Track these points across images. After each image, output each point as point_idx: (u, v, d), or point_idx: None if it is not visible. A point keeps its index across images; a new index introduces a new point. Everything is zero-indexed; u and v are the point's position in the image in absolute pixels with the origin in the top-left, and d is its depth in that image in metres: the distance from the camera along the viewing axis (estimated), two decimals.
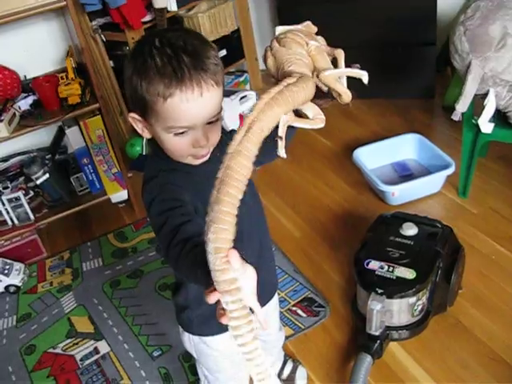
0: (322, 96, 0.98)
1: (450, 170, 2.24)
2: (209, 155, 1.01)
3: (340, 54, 1.00)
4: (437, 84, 2.99)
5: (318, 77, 0.93)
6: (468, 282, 1.88)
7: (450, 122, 2.52)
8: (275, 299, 1.42)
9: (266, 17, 3.52)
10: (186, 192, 0.97)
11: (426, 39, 2.88)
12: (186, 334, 1.26)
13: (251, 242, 1.17)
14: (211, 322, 1.19)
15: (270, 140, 1.07)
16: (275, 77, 0.97)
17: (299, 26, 1.04)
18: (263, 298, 1.25)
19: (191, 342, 1.27)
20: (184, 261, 0.82)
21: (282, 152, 0.91)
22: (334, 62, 1.01)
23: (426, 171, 2.43)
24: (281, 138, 0.92)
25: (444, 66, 3.05)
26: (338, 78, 0.96)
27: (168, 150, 0.99)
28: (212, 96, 0.92)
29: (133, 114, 0.99)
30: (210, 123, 0.95)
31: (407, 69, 2.99)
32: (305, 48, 0.96)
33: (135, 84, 0.91)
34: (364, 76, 0.95)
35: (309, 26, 1.06)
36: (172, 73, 0.88)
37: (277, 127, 0.86)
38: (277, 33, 1.03)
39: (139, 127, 1.00)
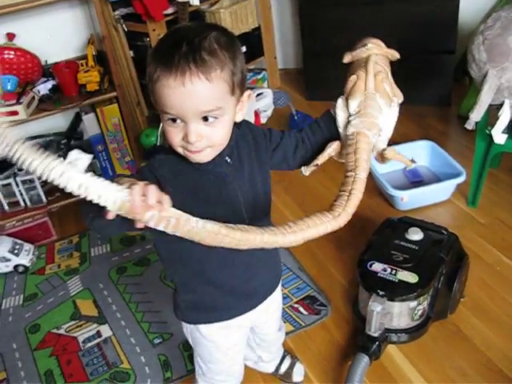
0: None
1: (461, 179, 2.25)
2: (207, 157, 1.00)
3: (400, 98, 1.09)
4: (454, 93, 2.99)
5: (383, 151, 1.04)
6: (471, 290, 1.89)
7: (464, 131, 2.52)
8: (278, 299, 1.42)
9: (287, 16, 3.54)
10: (169, 182, 1.00)
11: (446, 47, 2.88)
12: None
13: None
14: (197, 310, 1.22)
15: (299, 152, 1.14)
16: (349, 109, 1.06)
17: (387, 51, 1.13)
18: (268, 286, 1.27)
19: (187, 329, 1.29)
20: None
21: (307, 172, 1.11)
22: None
23: (437, 179, 2.43)
24: (317, 165, 1.08)
25: (462, 75, 3.05)
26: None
27: (168, 139, 0.99)
28: (198, 89, 0.90)
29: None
30: (206, 121, 0.94)
31: (425, 76, 2.99)
32: (390, 106, 1.06)
33: (148, 63, 0.94)
34: (411, 166, 1.10)
35: (394, 57, 1.15)
36: (163, 59, 0.90)
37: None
38: (368, 49, 1.10)
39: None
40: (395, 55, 1.13)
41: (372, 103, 1.03)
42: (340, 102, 1.07)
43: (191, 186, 1.03)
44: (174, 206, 0.89)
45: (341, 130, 1.06)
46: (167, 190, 0.94)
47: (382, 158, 1.05)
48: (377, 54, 1.08)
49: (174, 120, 0.94)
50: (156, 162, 1.03)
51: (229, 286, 1.17)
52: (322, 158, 1.09)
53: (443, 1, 2.77)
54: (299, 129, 1.17)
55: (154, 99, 0.96)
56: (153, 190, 0.79)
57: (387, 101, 1.04)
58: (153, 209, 0.78)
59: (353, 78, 1.06)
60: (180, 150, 0.98)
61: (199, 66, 0.89)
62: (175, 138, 0.96)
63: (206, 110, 0.92)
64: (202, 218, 0.91)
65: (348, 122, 1.04)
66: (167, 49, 0.91)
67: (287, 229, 0.89)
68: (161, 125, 2.10)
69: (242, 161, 1.07)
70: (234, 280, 1.17)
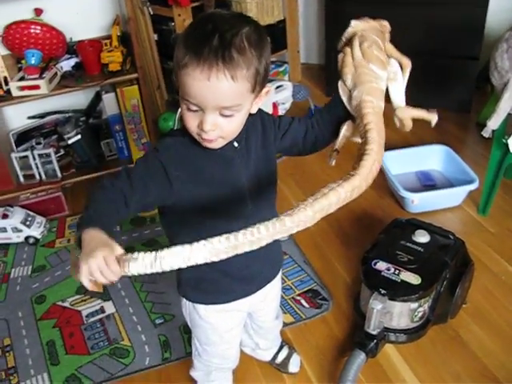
0: None
1: (473, 186, 2.24)
2: (218, 145, 1.03)
3: (407, 66, 1.11)
4: (475, 100, 2.98)
5: (394, 111, 1.05)
6: (473, 297, 1.89)
7: (480, 138, 2.53)
8: (277, 288, 1.43)
9: (312, 11, 3.53)
10: (176, 164, 1.03)
11: (470, 53, 2.86)
12: (183, 299, 1.30)
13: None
14: (197, 290, 1.24)
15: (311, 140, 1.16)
16: (347, 85, 1.07)
17: (375, 24, 1.12)
18: (267, 273, 1.28)
19: (186, 310, 1.31)
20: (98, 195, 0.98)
21: (333, 162, 1.12)
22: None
23: (449, 184, 2.43)
24: (337, 151, 1.10)
25: (484, 83, 3.02)
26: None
27: (185, 123, 1.01)
28: (222, 86, 0.91)
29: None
30: (223, 113, 0.96)
31: (447, 81, 2.98)
32: (386, 69, 1.06)
33: (175, 50, 0.95)
34: (434, 119, 1.12)
35: (384, 27, 1.14)
36: (194, 47, 0.90)
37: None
38: (352, 26, 1.10)
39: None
40: (383, 23, 1.14)
41: (364, 70, 1.04)
42: (339, 83, 1.09)
43: (197, 167, 1.06)
44: (178, 188, 1.02)
45: (349, 108, 1.08)
46: (172, 172, 1.02)
47: (398, 120, 1.08)
48: (363, 29, 1.09)
49: (193, 108, 0.96)
50: (161, 147, 1.06)
51: (229, 270, 1.18)
52: (338, 143, 1.11)
53: (472, 6, 2.75)
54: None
55: (177, 83, 0.98)
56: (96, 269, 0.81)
57: (380, 65, 1.05)
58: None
59: (340, 56, 1.08)
60: (195, 135, 1.01)
61: (227, 63, 0.90)
62: (192, 123, 0.99)
63: (225, 106, 0.95)
64: (205, 200, 1.05)
65: (350, 98, 1.06)
66: (199, 37, 0.91)
67: (294, 209, 0.83)
68: (179, 109, 2.12)
69: (249, 147, 1.09)
70: (234, 264, 1.18)
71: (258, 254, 1.22)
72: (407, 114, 1.06)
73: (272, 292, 1.38)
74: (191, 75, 0.91)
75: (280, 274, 1.38)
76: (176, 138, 1.06)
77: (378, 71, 1.04)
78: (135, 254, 0.84)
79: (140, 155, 2.55)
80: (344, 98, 1.07)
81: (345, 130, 1.10)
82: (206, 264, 1.13)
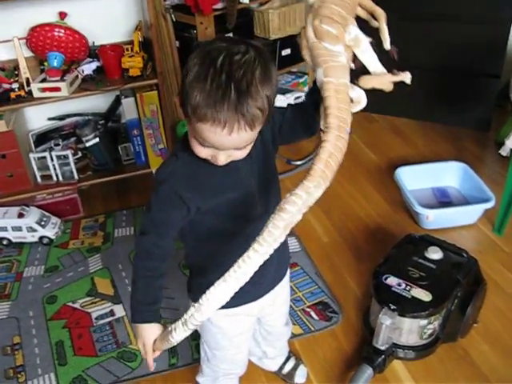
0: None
1: (489, 205, 2.22)
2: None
3: (381, 16, 1.05)
4: (494, 118, 2.96)
5: (357, 80, 0.98)
6: (485, 317, 1.87)
7: (498, 157, 2.50)
8: (285, 292, 1.44)
9: None
10: (187, 186, 1.06)
11: (492, 71, 2.84)
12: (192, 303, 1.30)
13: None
14: None
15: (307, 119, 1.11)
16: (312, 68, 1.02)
17: None
18: (274, 274, 1.28)
19: None
20: (141, 277, 1.14)
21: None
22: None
23: (465, 201, 2.41)
24: (322, 130, 0.99)
25: (505, 101, 3.01)
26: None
27: (192, 148, 1.02)
28: (241, 137, 0.94)
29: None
30: (236, 149, 0.99)
31: (467, 98, 2.96)
32: (341, 40, 0.98)
33: (186, 86, 0.93)
34: (407, 78, 1.02)
35: None
36: (212, 104, 0.89)
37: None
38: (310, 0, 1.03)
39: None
40: None
41: (318, 51, 0.99)
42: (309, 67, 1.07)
43: (206, 182, 1.07)
44: (194, 207, 1.07)
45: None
46: (185, 195, 1.05)
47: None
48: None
49: (206, 145, 0.98)
50: (166, 176, 1.07)
51: None
52: (322, 124, 1.04)
53: (494, 24, 2.73)
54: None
55: (189, 120, 0.97)
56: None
57: (332, 40, 0.98)
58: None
59: (298, 39, 1.05)
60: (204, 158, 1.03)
61: (248, 120, 0.92)
62: (203, 154, 1.01)
63: (240, 147, 0.98)
64: (220, 206, 1.07)
65: None
66: (214, 92, 0.89)
67: (262, 233, 0.89)
68: None
69: (251, 152, 1.08)
70: None
71: (268, 258, 1.22)
72: (368, 84, 1.00)
73: (281, 295, 1.39)
74: (210, 130, 0.92)
75: (288, 277, 1.38)
76: (178, 161, 1.08)
77: (332, 47, 0.98)
78: (168, 328, 1.02)
79: (158, 160, 2.60)
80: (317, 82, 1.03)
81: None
82: (215, 269, 1.15)
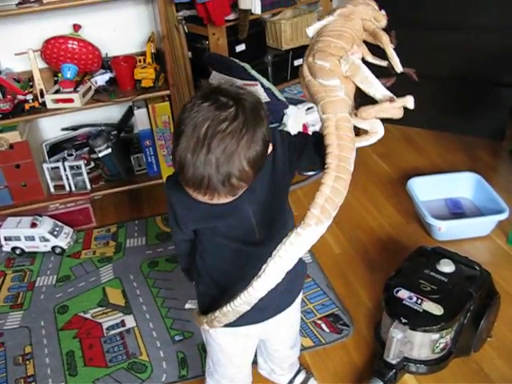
0: (386, 75, 1.02)
1: (503, 216, 2.19)
2: None
3: (384, 41, 1.01)
4: (508, 128, 2.93)
5: (355, 115, 0.95)
6: (499, 331, 1.84)
7: None
8: (293, 318, 1.41)
9: None
10: (183, 205, 1.10)
11: (505, 80, 2.82)
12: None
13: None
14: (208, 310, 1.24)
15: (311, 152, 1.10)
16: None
17: (333, 18, 1.05)
18: (280, 302, 1.27)
19: (202, 328, 1.31)
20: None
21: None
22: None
23: (479, 213, 2.38)
24: None
25: None
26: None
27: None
28: (227, 199, 0.97)
29: None
30: None
31: (481, 107, 2.94)
32: (337, 73, 0.96)
33: (174, 151, 0.94)
34: (408, 103, 0.93)
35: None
36: (191, 176, 0.91)
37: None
38: (310, 35, 1.06)
39: None
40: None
41: (314, 89, 0.97)
42: None
43: (199, 205, 1.05)
44: (186, 225, 1.14)
45: None
46: (179, 213, 1.10)
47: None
48: (322, 31, 1.04)
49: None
50: (168, 189, 1.11)
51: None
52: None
53: (509, 32, 2.71)
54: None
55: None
56: None
57: (326, 75, 0.96)
58: None
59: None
60: None
61: (227, 191, 0.93)
62: (197, 197, 0.99)
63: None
64: (216, 227, 1.10)
65: None
66: (195, 160, 0.90)
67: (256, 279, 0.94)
68: None
69: (254, 182, 1.04)
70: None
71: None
72: (369, 116, 0.95)
73: (286, 322, 1.36)
74: (194, 193, 0.95)
75: (299, 304, 1.36)
76: (175, 179, 1.06)
77: (327, 82, 0.96)
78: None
79: (170, 171, 2.61)
80: None
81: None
82: (218, 288, 1.15)
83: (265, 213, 1.11)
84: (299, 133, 1.16)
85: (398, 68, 0.99)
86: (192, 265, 1.29)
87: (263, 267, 0.90)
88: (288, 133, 1.14)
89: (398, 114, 0.94)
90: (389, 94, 0.96)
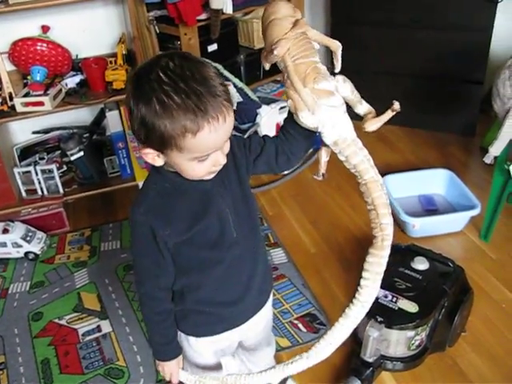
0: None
1: (475, 212, 2.23)
2: None
3: (337, 49, 1.04)
4: (479, 124, 2.97)
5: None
6: (472, 325, 1.87)
7: (484, 163, 2.50)
8: (268, 316, 1.41)
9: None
10: (163, 223, 1.04)
11: (475, 77, 2.86)
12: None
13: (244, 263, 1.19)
14: (186, 322, 1.23)
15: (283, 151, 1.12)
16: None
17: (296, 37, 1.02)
18: (255, 304, 1.26)
19: (179, 337, 1.30)
20: (154, 321, 1.19)
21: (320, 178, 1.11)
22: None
23: (452, 209, 2.42)
24: (323, 175, 1.11)
25: (489, 107, 3.02)
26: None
27: (187, 174, 1.00)
28: (231, 120, 0.94)
29: (147, 151, 0.98)
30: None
31: (451, 104, 2.98)
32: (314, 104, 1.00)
33: (153, 124, 0.91)
34: (397, 106, 1.01)
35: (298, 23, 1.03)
36: (195, 107, 0.88)
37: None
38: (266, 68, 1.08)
39: (150, 158, 0.99)
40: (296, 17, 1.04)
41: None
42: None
43: (181, 211, 1.05)
44: (171, 243, 1.07)
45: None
46: (161, 234, 1.05)
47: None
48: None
49: (205, 157, 0.97)
50: (143, 223, 1.05)
51: (221, 304, 1.19)
52: (322, 169, 1.12)
53: (476, 32, 2.76)
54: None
55: (179, 151, 0.94)
56: None
57: (329, 96, 0.99)
58: None
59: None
60: (197, 178, 1.01)
61: (223, 96, 0.92)
62: (206, 170, 0.99)
63: (226, 139, 0.98)
64: (195, 236, 1.07)
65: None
66: (186, 98, 0.89)
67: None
68: None
69: (223, 177, 1.07)
70: (227, 298, 1.19)
71: (252, 288, 1.21)
72: (375, 127, 1.03)
73: (263, 321, 1.36)
74: (212, 129, 0.91)
75: (270, 302, 1.36)
76: (148, 197, 1.06)
77: (333, 103, 1.00)
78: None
79: (143, 173, 2.59)
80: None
81: (325, 157, 1.10)
82: (193, 297, 1.14)
83: (237, 207, 1.12)
84: (255, 134, 1.19)
85: (337, 67, 1.04)
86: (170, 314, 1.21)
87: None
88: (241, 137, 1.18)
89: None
90: (369, 107, 1.06)
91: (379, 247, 1.06)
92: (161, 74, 0.90)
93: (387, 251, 1.05)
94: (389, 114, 1.02)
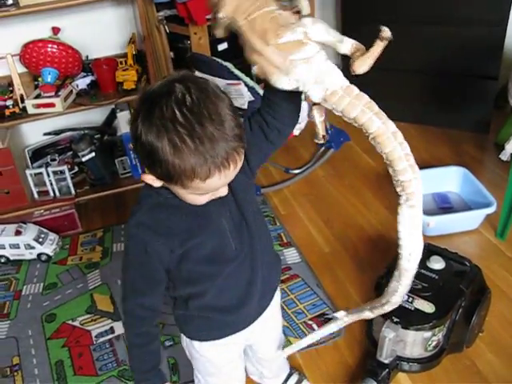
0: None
1: (491, 209, 2.19)
2: None
3: (307, 8, 0.95)
4: (493, 120, 2.92)
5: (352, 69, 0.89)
6: (490, 325, 1.84)
7: (499, 160, 2.47)
8: (275, 317, 1.40)
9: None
10: (156, 237, 1.01)
11: (489, 72, 2.81)
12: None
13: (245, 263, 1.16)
14: (190, 326, 1.21)
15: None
16: None
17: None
18: (258, 306, 1.24)
19: (184, 342, 1.29)
20: (136, 343, 1.13)
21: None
22: None
23: (467, 207, 2.38)
24: (324, 136, 1.00)
25: (504, 103, 2.98)
26: None
27: (186, 201, 0.98)
28: (243, 156, 0.93)
29: (150, 177, 0.96)
30: None
31: (465, 100, 2.94)
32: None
33: (160, 160, 0.87)
34: (387, 33, 0.90)
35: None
36: (208, 156, 0.85)
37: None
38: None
39: (149, 180, 0.97)
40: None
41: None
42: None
43: (175, 228, 1.03)
44: (168, 258, 1.05)
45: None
46: (155, 249, 1.02)
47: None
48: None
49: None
50: (139, 226, 1.02)
51: (220, 308, 1.17)
52: (321, 130, 1.01)
53: (490, 26, 2.71)
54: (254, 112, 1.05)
55: (184, 187, 0.91)
56: None
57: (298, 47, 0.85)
58: None
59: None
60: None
61: (238, 139, 0.89)
62: (202, 200, 0.97)
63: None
64: (192, 251, 1.05)
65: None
66: (200, 145, 0.85)
67: None
68: None
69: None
70: (227, 304, 1.17)
71: (257, 290, 1.19)
72: (366, 66, 0.87)
73: (270, 322, 1.34)
74: (222, 176, 0.89)
75: (277, 302, 1.34)
76: (142, 211, 1.03)
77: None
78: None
79: None
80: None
81: (319, 117, 0.98)
82: (196, 304, 1.13)
83: (237, 221, 1.09)
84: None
85: (305, 10, 0.95)
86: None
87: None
88: None
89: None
90: (355, 42, 0.91)
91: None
92: (176, 112, 0.84)
93: (417, 210, 0.93)
94: (379, 45, 0.87)
